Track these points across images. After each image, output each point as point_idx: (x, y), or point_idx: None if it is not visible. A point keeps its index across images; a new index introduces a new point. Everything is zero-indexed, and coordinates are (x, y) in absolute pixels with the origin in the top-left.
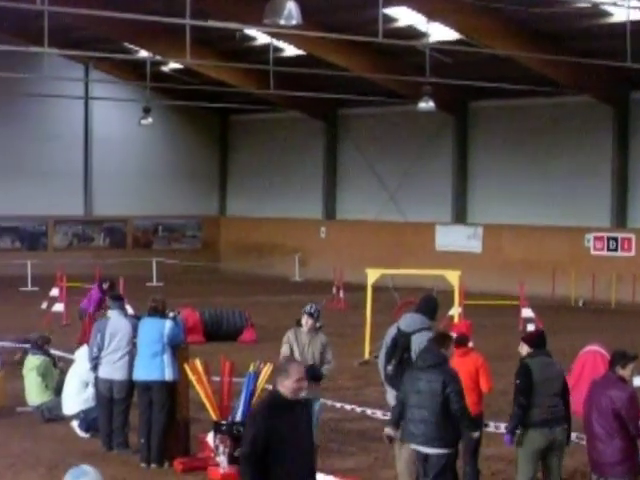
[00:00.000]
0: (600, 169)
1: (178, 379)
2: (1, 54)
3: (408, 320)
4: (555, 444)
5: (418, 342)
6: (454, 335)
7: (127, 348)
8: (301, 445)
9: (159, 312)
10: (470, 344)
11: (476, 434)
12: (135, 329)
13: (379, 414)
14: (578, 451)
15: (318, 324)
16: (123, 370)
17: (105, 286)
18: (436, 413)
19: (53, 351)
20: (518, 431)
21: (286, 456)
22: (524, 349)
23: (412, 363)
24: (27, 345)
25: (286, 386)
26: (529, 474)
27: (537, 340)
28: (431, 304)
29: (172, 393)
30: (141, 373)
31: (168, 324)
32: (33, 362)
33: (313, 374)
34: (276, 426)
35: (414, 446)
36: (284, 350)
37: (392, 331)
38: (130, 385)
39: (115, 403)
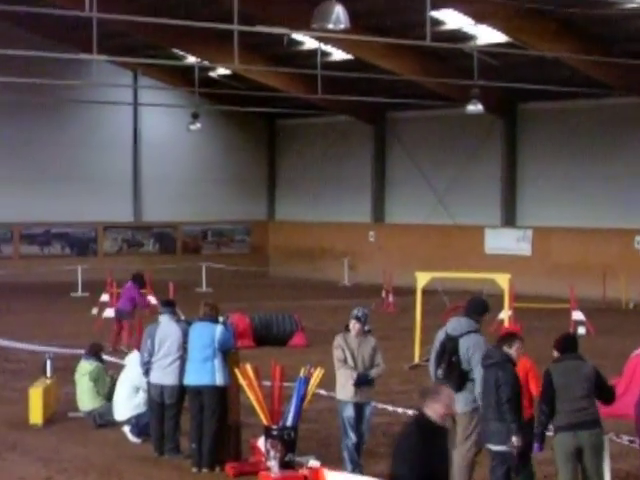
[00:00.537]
0: None
1: (229, 384)
2: (51, 61)
3: (455, 324)
4: (585, 447)
5: (465, 345)
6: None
7: (178, 353)
8: (446, 471)
9: (211, 317)
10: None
11: (515, 439)
12: (185, 334)
13: None
14: (631, 454)
15: (366, 327)
16: (173, 375)
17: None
18: (494, 409)
19: (104, 357)
20: (550, 434)
21: None
22: (555, 354)
23: (460, 366)
24: (82, 351)
25: (435, 410)
26: (566, 477)
27: (563, 344)
28: (478, 306)
29: (223, 398)
30: (192, 378)
31: (219, 329)
32: (86, 368)
33: (364, 380)
34: (429, 451)
35: (488, 445)
36: (338, 354)
37: (440, 335)
38: (181, 390)
39: (166, 408)
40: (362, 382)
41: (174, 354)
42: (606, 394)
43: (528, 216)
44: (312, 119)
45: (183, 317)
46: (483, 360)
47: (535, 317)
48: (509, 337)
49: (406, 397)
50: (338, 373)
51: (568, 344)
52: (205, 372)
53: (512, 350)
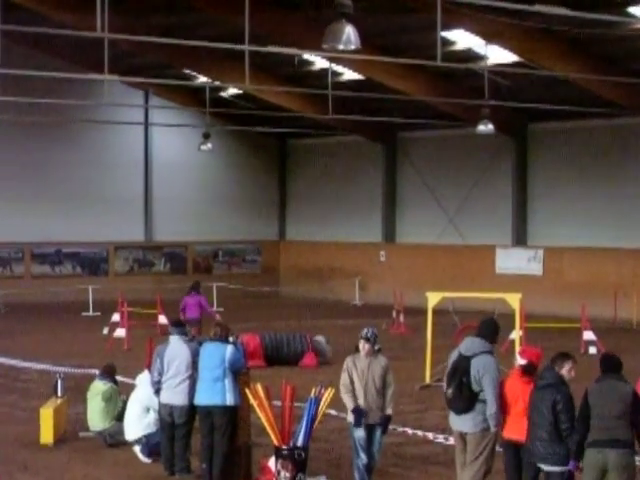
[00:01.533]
0: None
1: (239, 404)
2: (62, 82)
3: (468, 344)
4: (610, 466)
5: (477, 366)
6: (523, 361)
7: (187, 373)
8: None
9: (221, 337)
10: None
11: (573, 462)
12: (195, 354)
13: (441, 439)
14: None
15: (376, 347)
16: (183, 395)
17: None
18: (549, 431)
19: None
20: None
21: None
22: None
23: (470, 387)
24: (96, 371)
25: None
26: None
27: (604, 365)
28: (491, 327)
29: (233, 418)
30: (203, 398)
31: (229, 349)
32: (99, 387)
33: (359, 419)
34: None
35: (540, 465)
36: (344, 379)
37: (454, 355)
38: (191, 410)
39: (176, 428)
40: (359, 422)
41: (183, 374)
42: (637, 418)
43: (539, 236)
44: (323, 139)
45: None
46: (537, 381)
47: (546, 337)
48: (560, 358)
49: (417, 417)
50: (343, 398)
51: (609, 364)
52: (215, 392)
53: (563, 371)
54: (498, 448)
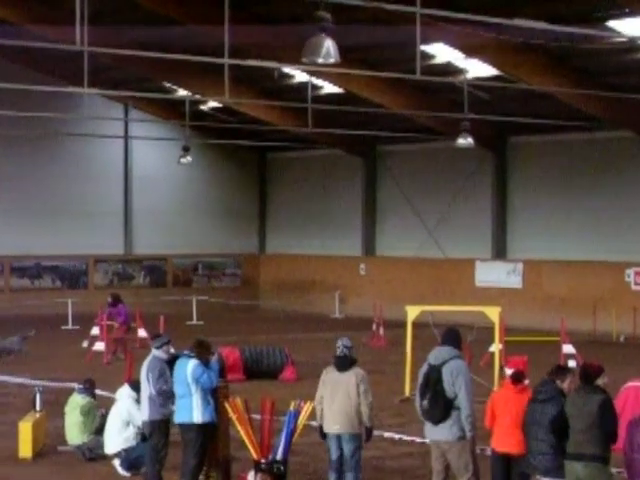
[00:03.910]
0: None
1: (211, 420)
2: (41, 94)
3: (436, 353)
4: (580, 478)
5: (449, 371)
6: (510, 371)
7: (148, 389)
8: None
9: (192, 352)
10: (527, 381)
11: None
12: (152, 368)
13: (420, 452)
14: None
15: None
16: (145, 410)
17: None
18: (552, 445)
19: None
20: None
21: None
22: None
23: (445, 395)
24: (75, 384)
25: None
26: None
27: (580, 375)
28: (455, 335)
29: (203, 434)
30: (176, 415)
31: (191, 364)
32: (77, 401)
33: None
34: None
35: (537, 476)
36: (317, 396)
37: (424, 368)
38: (154, 425)
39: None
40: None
41: (146, 389)
42: (605, 433)
43: (519, 249)
44: (303, 152)
45: (172, 351)
46: (535, 394)
47: (526, 350)
48: (562, 371)
49: (397, 430)
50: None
51: (584, 375)
52: (183, 409)
53: (565, 384)
54: (477, 451)
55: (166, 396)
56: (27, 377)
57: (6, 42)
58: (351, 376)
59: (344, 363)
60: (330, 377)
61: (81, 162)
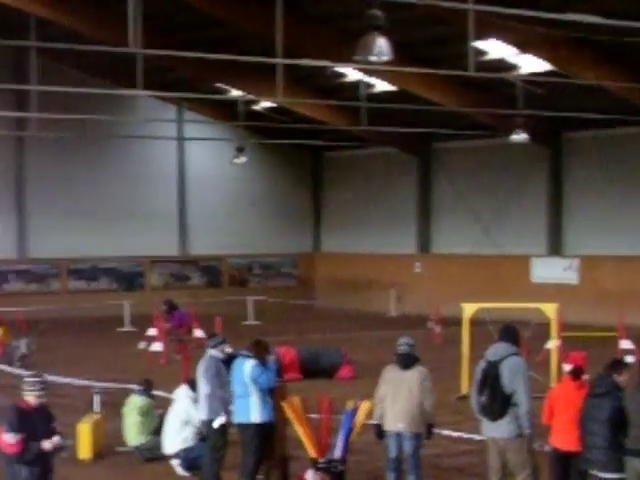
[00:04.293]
0: None
1: (269, 420)
2: (96, 97)
3: (494, 350)
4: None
5: (507, 368)
6: (569, 367)
7: (205, 388)
8: None
9: (249, 352)
10: (586, 376)
11: None
12: (207, 369)
13: (477, 449)
14: None
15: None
16: (203, 410)
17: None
18: (608, 439)
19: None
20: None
21: None
22: None
23: (503, 391)
24: (133, 385)
25: None
26: None
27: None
28: (513, 332)
29: (260, 434)
30: (234, 415)
31: (248, 364)
32: (135, 402)
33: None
34: None
35: (592, 471)
36: (377, 394)
37: (481, 364)
38: (210, 424)
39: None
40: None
41: (203, 389)
42: None
43: (575, 245)
44: (356, 151)
45: (228, 350)
46: (592, 389)
47: (583, 346)
48: (619, 365)
49: (454, 428)
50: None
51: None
52: (241, 409)
53: (622, 378)
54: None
55: (222, 400)
56: (85, 379)
57: (60, 46)
58: (414, 374)
59: (407, 361)
60: (392, 375)
61: (135, 164)
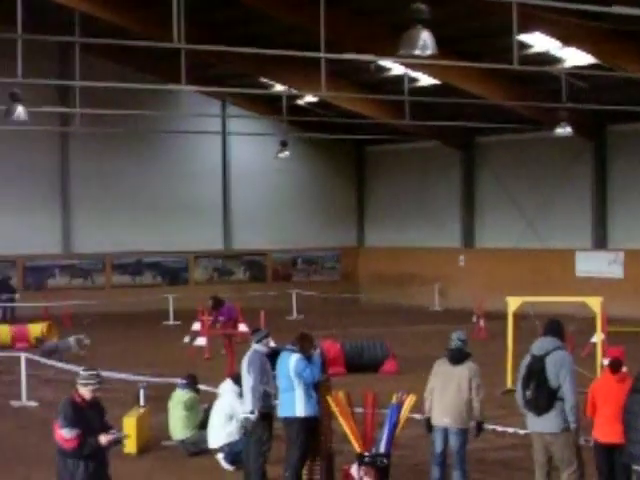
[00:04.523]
0: None
1: (314, 414)
2: (139, 92)
3: (539, 344)
4: None
5: (552, 362)
6: (607, 360)
7: (248, 382)
8: None
9: (294, 346)
10: (624, 369)
11: None
12: (250, 362)
13: (523, 443)
14: None
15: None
16: (247, 404)
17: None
18: None
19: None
20: None
21: None
22: None
23: (549, 385)
24: (178, 380)
25: None
26: None
27: None
28: (558, 326)
29: (306, 428)
30: (279, 409)
31: (293, 358)
32: (181, 397)
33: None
34: None
35: (635, 466)
36: (427, 388)
37: (526, 358)
38: (257, 419)
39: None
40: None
41: (246, 383)
42: None
43: (620, 239)
44: (400, 145)
45: (272, 344)
46: (634, 383)
47: (628, 340)
48: None
49: (500, 422)
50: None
51: None
52: (286, 403)
53: None
54: (582, 442)
55: (266, 394)
56: (130, 373)
57: (104, 41)
58: (464, 370)
59: (458, 356)
60: (442, 369)
61: (180, 159)
